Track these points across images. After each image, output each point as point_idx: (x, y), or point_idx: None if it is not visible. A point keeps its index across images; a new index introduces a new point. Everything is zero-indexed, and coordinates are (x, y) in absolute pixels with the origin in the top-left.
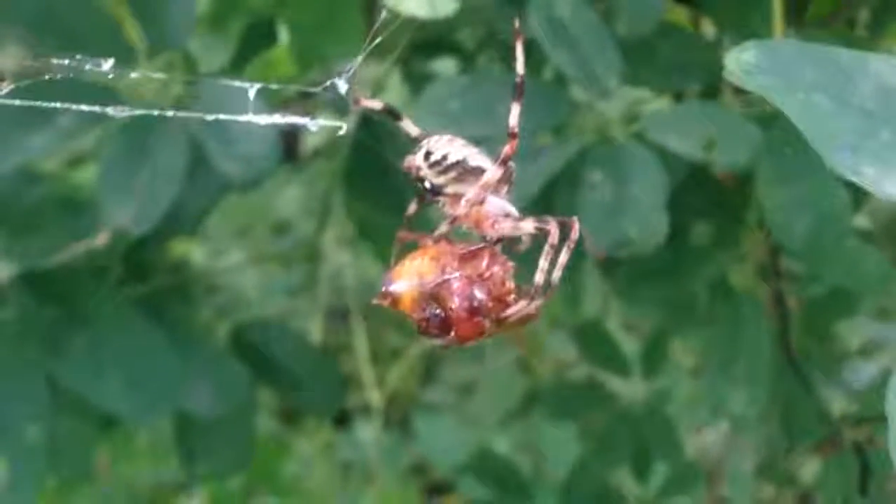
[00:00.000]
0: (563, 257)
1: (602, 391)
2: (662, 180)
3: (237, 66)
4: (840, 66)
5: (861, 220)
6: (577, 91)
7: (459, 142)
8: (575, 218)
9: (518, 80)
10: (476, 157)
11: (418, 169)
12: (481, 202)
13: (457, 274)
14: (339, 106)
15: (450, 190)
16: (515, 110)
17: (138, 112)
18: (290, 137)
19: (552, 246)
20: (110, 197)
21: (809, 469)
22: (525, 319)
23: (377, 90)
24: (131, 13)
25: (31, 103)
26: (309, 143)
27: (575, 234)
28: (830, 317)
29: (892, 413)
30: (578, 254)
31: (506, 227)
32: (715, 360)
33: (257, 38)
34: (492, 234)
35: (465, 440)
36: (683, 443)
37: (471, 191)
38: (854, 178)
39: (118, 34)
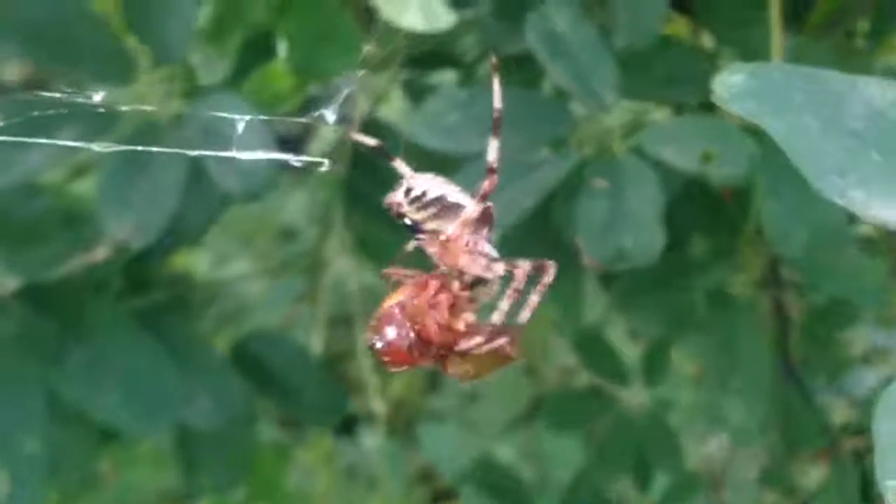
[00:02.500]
0: (535, 298)
1: (605, 399)
2: (659, 194)
3: (236, 79)
4: (829, 88)
5: (867, 227)
6: (576, 105)
7: (440, 179)
8: (552, 262)
9: (495, 115)
10: (456, 195)
11: (399, 205)
12: (457, 240)
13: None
14: (343, 117)
15: (429, 227)
16: (493, 146)
17: (122, 148)
18: (294, 145)
19: (516, 290)
20: (109, 210)
21: (812, 477)
22: (503, 360)
23: (376, 103)
24: (130, 27)
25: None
26: (314, 151)
27: (549, 279)
28: (832, 325)
29: (879, 431)
30: (577, 266)
31: (477, 267)
32: (713, 371)
33: (256, 52)
34: (464, 272)
35: (469, 447)
36: (686, 451)
37: (449, 228)
38: (842, 202)
39: (118, 48)
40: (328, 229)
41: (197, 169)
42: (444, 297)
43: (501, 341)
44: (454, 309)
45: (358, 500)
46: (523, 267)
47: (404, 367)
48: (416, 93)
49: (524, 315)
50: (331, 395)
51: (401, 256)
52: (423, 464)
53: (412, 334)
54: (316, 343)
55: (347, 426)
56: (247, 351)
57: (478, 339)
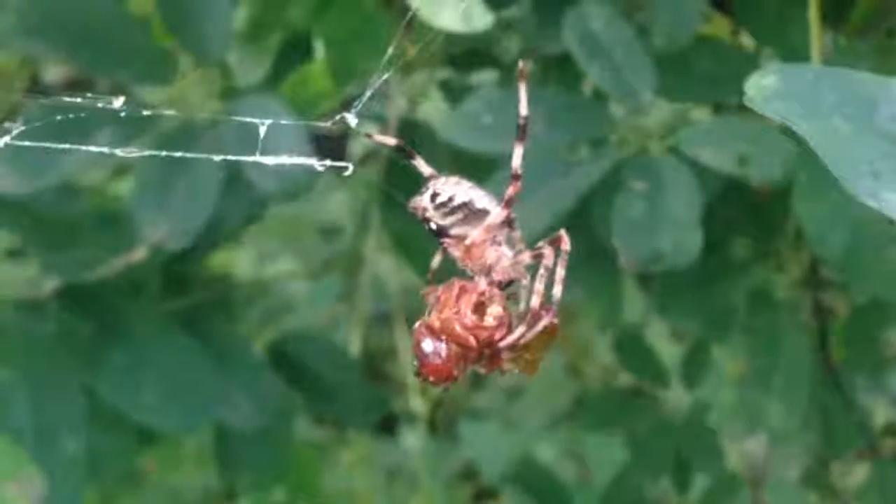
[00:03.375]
0: (561, 271)
1: (646, 399)
2: (697, 195)
3: (273, 81)
4: (861, 89)
5: None
6: (615, 105)
7: (466, 184)
8: (562, 231)
9: (521, 121)
10: (482, 199)
11: (424, 210)
12: (482, 244)
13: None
14: (378, 118)
15: (454, 232)
16: (518, 151)
17: (147, 153)
18: (335, 144)
19: (546, 268)
20: (145, 213)
21: (854, 479)
22: (549, 337)
23: (414, 103)
24: (168, 28)
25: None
26: (355, 151)
27: (566, 246)
28: (873, 325)
29: None
30: (615, 268)
31: (503, 268)
32: (753, 372)
33: (294, 53)
34: (493, 275)
35: (511, 446)
36: (726, 452)
37: (474, 233)
38: (874, 204)
39: (157, 49)
40: (366, 229)
41: (233, 170)
42: (466, 301)
43: (543, 322)
44: (480, 308)
45: (399, 500)
46: (545, 248)
47: (455, 379)
48: (455, 93)
49: (557, 290)
50: (369, 395)
51: (434, 272)
52: (465, 462)
53: (450, 348)
54: (354, 343)
55: (388, 425)
56: (285, 351)
57: (521, 330)
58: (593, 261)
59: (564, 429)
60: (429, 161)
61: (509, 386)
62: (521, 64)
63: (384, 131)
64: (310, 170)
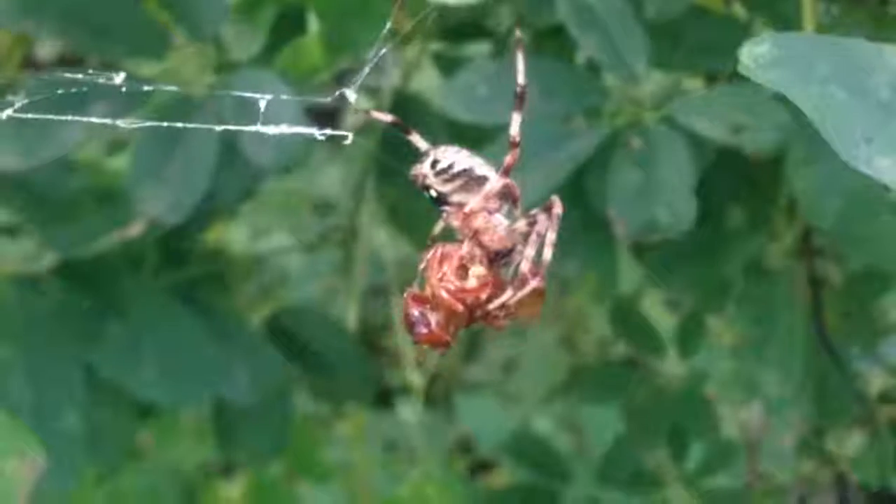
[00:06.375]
0: (552, 235)
1: (642, 370)
2: (691, 164)
3: (268, 54)
4: (855, 57)
5: None
6: (609, 76)
7: (466, 152)
8: (555, 197)
9: (518, 89)
10: (482, 167)
11: (424, 177)
12: (480, 211)
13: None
14: (374, 88)
15: (455, 199)
16: (516, 120)
17: (148, 124)
18: (330, 116)
19: (538, 234)
20: (143, 187)
21: (850, 446)
22: (538, 298)
23: (408, 75)
24: (162, 3)
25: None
26: (348, 124)
27: (558, 209)
28: (867, 293)
29: None
30: (610, 238)
31: (500, 236)
32: (748, 341)
33: (288, 27)
34: (492, 243)
35: (507, 418)
36: (723, 420)
37: (474, 200)
38: (868, 171)
39: (151, 25)
40: (361, 202)
41: (229, 143)
42: (448, 265)
43: (529, 287)
44: (463, 271)
45: (397, 473)
46: (539, 215)
47: (450, 343)
48: (448, 65)
49: (547, 252)
50: (366, 368)
51: (433, 239)
52: (462, 435)
53: (437, 314)
54: (351, 317)
55: (385, 398)
56: (281, 325)
57: (509, 293)
58: (588, 232)
59: (561, 400)
60: (423, 134)
61: (505, 358)
62: (517, 33)
63: (379, 103)
64: (307, 139)
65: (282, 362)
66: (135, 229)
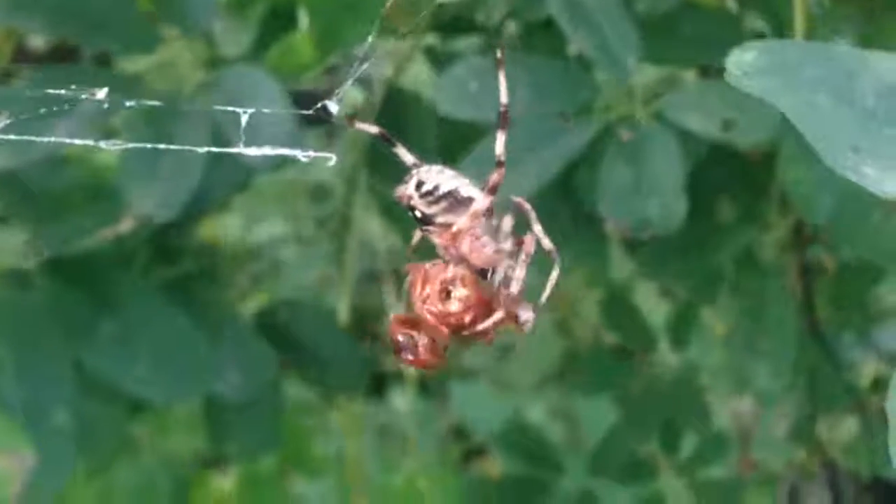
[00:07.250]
0: (521, 273)
1: (636, 360)
2: (681, 161)
3: (257, 51)
4: (841, 64)
5: None
6: (600, 71)
7: (450, 172)
8: (528, 236)
9: (502, 109)
10: (467, 188)
11: (409, 198)
12: (466, 231)
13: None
14: (365, 84)
15: (440, 220)
16: (501, 138)
17: (131, 145)
18: (318, 101)
19: (528, 255)
20: (133, 184)
21: (842, 434)
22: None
23: (397, 71)
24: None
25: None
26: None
27: (529, 248)
28: (864, 280)
29: (892, 410)
30: (601, 234)
31: (486, 255)
32: (740, 334)
33: (277, 24)
34: (478, 263)
35: (500, 406)
36: (716, 410)
37: (460, 221)
38: (855, 178)
39: (140, 20)
40: (353, 192)
41: (220, 141)
42: (431, 288)
43: (524, 317)
44: (446, 293)
45: (390, 461)
46: (526, 237)
47: (441, 362)
48: (439, 60)
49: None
50: (359, 359)
51: (410, 252)
52: (455, 422)
53: (423, 339)
54: (343, 308)
55: (378, 386)
56: (272, 317)
57: (499, 315)
58: (580, 227)
59: (554, 389)
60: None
61: (499, 346)
62: (499, 53)
63: (369, 98)
64: (301, 130)
65: (274, 357)
66: (125, 225)
